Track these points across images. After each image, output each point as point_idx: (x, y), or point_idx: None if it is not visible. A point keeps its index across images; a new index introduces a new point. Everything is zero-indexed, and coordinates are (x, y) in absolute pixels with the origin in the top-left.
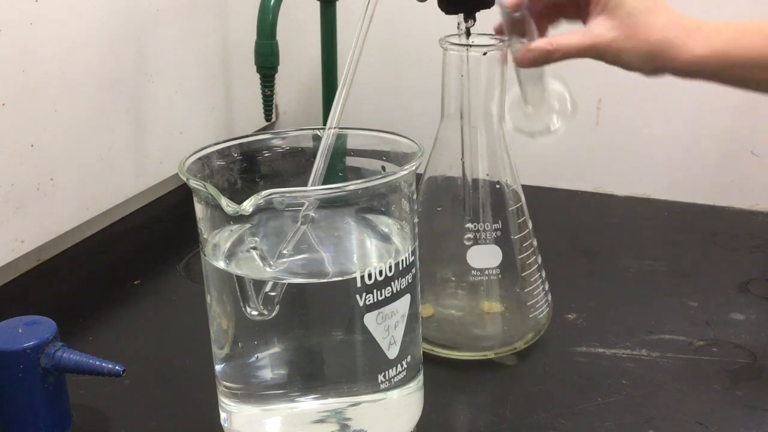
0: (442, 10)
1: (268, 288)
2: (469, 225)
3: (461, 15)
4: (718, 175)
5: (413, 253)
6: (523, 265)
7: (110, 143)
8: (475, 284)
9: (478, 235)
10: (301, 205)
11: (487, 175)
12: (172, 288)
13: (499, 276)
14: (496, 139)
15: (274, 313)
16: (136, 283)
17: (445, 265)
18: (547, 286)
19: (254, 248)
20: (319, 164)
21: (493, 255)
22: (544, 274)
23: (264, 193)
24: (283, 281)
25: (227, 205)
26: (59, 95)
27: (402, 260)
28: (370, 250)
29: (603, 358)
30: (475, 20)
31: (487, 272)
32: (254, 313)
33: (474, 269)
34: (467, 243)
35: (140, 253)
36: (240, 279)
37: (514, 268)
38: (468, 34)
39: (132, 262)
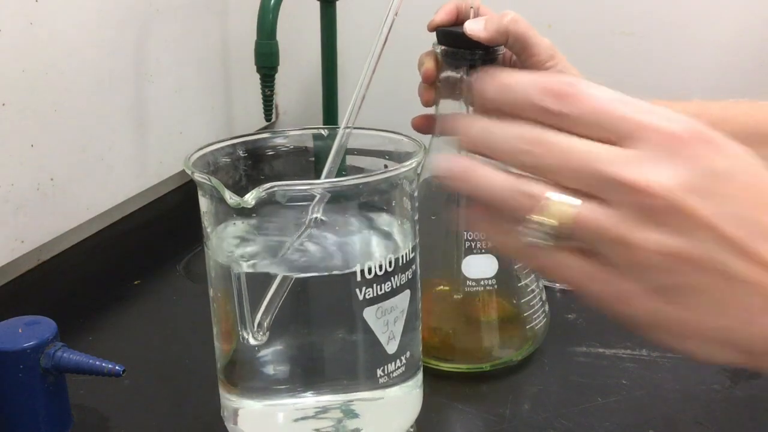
0: (447, 64)
1: (257, 319)
2: (463, 234)
3: (464, 69)
4: None
5: (414, 249)
6: (520, 275)
7: (110, 143)
8: (471, 294)
9: (473, 244)
10: (305, 199)
11: None
12: (172, 288)
13: (495, 286)
14: None
15: (265, 339)
16: (136, 283)
17: (440, 274)
18: (544, 296)
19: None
20: (332, 162)
21: (489, 264)
22: (541, 284)
23: (266, 185)
24: (286, 275)
25: (230, 198)
26: (59, 95)
27: (402, 256)
28: (370, 245)
29: (603, 358)
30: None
31: (482, 282)
32: (250, 338)
33: (469, 279)
34: (462, 252)
35: (140, 253)
36: (240, 305)
37: (511, 278)
38: (470, 88)
39: (132, 262)
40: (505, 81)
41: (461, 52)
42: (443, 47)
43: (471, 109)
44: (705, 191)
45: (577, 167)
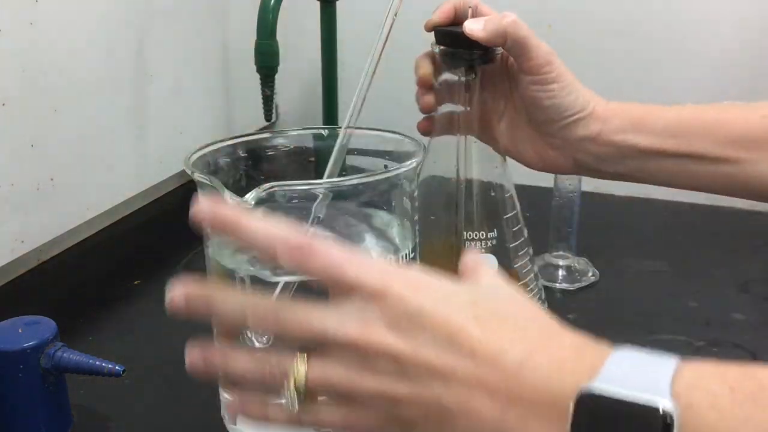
0: (445, 63)
1: None
2: (463, 234)
3: (462, 68)
4: None
5: (414, 249)
6: (519, 275)
7: (110, 143)
8: None
9: (473, 244)
10: (305, 199)
11: (482, 182)
12: None
13: None
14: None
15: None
16: (136, 283)
17: (440, 274)
18: (543, 296)
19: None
20: (333, 163)
21: (488, 264)
22: (540, 284)
23: (265, 186)
24: (288, 282)
25: (230, 198)
26: (59, 95)
27: (402, 256)
28: (370, 245)
29: None
30: (476, 74)
31: None
32: (255, 341)
33: None
34: (462, 252)
35: (140, 253)
36: None
37: (510, 278)
38: (468, 87)
39: (132, 262)
40: (248, 226)
41: (459, 52)
42: (441, 47)
43: (469, 109)
44: (405, 330)
45: (299, 331)
